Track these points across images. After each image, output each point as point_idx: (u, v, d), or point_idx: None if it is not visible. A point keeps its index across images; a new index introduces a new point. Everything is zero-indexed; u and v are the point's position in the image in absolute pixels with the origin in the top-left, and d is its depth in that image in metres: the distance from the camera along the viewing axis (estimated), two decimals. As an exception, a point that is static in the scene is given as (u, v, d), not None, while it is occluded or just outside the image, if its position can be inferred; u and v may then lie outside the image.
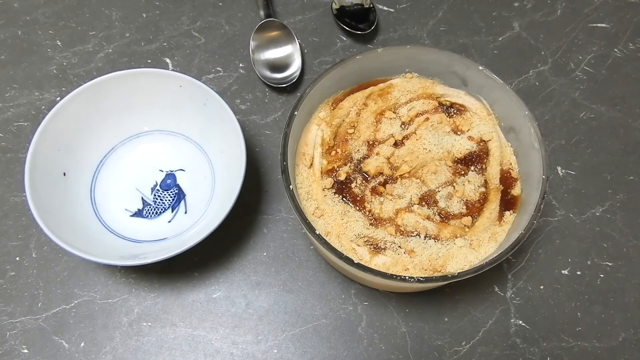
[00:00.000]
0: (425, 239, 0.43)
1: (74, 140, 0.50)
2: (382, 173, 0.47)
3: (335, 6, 0.62)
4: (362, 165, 0.47)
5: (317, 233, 0.40)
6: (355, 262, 0.39)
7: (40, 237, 0.51)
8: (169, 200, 0.52)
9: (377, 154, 0.47)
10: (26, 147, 0.47)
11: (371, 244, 0.43)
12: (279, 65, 0.58)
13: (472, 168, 0.47)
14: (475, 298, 0.49)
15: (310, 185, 0.45)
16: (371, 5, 0.63)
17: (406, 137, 0.48)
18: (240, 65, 0.60)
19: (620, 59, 0.61)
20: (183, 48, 0.61)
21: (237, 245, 0.51)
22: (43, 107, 0.58)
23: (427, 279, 0.39)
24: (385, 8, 0.64)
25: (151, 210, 0.52)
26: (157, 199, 0.52)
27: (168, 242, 0.49)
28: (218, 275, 0.50)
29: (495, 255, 0.40)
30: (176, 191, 0.53)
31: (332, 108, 0.49)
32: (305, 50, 0.61)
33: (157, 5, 0.64)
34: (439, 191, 0.46)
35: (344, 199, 0.45)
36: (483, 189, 0.46)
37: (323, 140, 0.47)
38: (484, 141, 0.48)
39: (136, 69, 0.50)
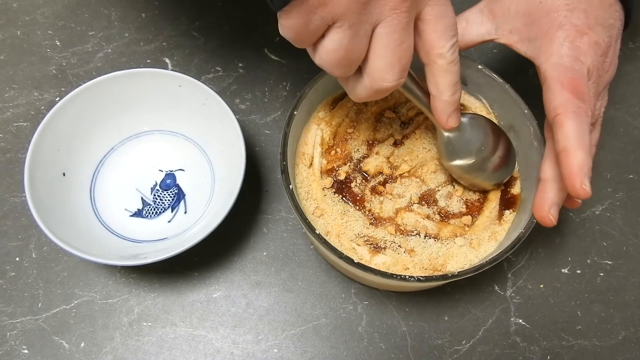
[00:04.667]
0: (425, 238, 0.43)
1: (74, 140, 0.50)
2: (381, 172, 0.47)
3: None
4: (361, 164, 0.47)
5: (317, 233, 0.40)
6: (355, 261, 0.39)
7: (40, 237, 0.51)
8: (169, 200, 0.52)
9: (377, 153, 0.47)
10: (26, 147, 0.47)
11: (371, 244, 0.43)
12: None
13: (472, 167, 0.47)
14: (475, 297, 0.49)
15: (310, 185, 0.45)
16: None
17: (406, 137, 0.48)
18: (240, 64, 0.60)
19: (620, 58, 0.60)
20: (182, 48, 0.61)
21: (237, 245, 0.51)
22: (42, 108, 0.58)
23: (427, 278, 0.39)
24: (384, 7, 0.64)
25: (151, 210, 0.52)
26: (156, 198, 0.52)
27: (168, 242, 0.49)
28: (218, 275, 0.50)
29: (495, 254, 0.40)
30: (176, 191, 0.53)
31: (331, 107, 0.49)
32: (304, 50, 0.60)
33: (156, 5, 0.64)
34: (438, 190, 0.46)
35: (343, 198, 0.45)
36: (483, 188, 0.46)
37: (323, 140, 0.47)
38: (484, 140, 0.48)
39: (135, 69, 0.50)
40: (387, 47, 0.34)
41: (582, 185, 0.36)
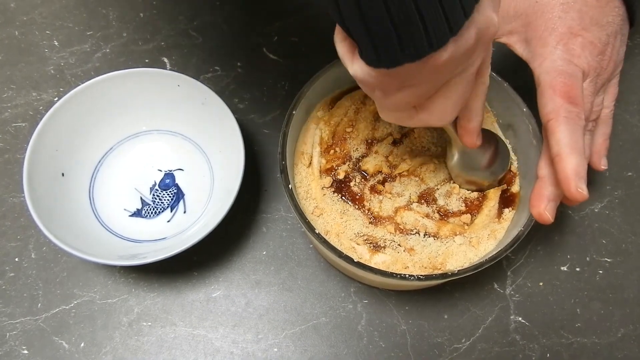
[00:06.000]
0: (424, 237, 0.44)
1: (72, 140, 0.50)
2: (381, 171, 0.47)
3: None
4: (360, 163, 0.47)
5: (317, 232, 0.40)
6: (355, 260, 0.39)
7: (39, 237, 0.51)
8: (168, 199, 0.52)
9: (376, 152, 0.47)
10: (24, 147, 0.47)
11: (370, 243, 0.43)
12: None
13: (471, 165, 0.47)
14: (474, 295, 0.49)
15: (309, 185, 0.45)
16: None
17: (405, 135, 0.48)
18: (238, 64, 0.60)
19: (618, 55, 0.61)
20: (180, 47, 0.61)
21: (237, 244, 0.51)
22: (41, 108, 0.58)
23: (427, 277, 0.39)
24: (382, 6, 0.64)
25: (150, 210, 0.52)
26: (156, 198, 0.52)
27: (167, 241, 0.49)
28: (217, 274, 0.50)
29: (494, 253, 0.40)
30: (175, 191, 0.53)
31: (330, 107, 0.49)
32: (303, 49, 0.60)
33: (154, 5, 0.64)
34: (437, 189, 0.46)
35: (343, 197, 0.45)
36: (482, 187, 0.46)
37: (321, 139, 0.47)
38: (483, 139, 0.48)
39: (134, 68, 0.50)
40: (460, 85, 0.32)
41: (577, 189, 0.36)
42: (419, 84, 0.30)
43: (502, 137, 0.49)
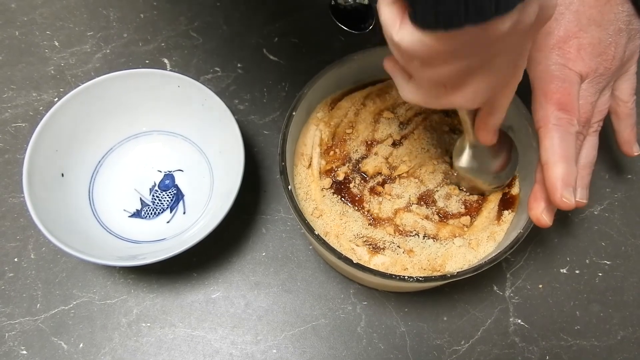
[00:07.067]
0: (424, 239, 0.44)
1: (72, 141, 0.50)
2: (380, 173, 0.47)
3: (333, 4, 0.62)
4: (360, 165, 0.47)
5: (316, 233, 0.40)
6: (354, 262, 0.39)
7: (38, 238, 0.51)
8: (168, 200, 0.52)
9: (376, 153, 0.47)
10: (24, 148, 0.47)
11: (370, 244, 0.43)
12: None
13: (471, 167, 0.47)
14: (474, 297, 0.49)
15: (309, 186, 0.45)
16: (369, 4, 0.63)
17: (404, 137, 0.48)
18: (239, 65, 0.60)
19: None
20: (181, 48, 0.61)
21: (236, 245, 0.51)
22: (41, 108, 0.58)
23: (426, 279, 0.39)
24: (383, 7, 0.64)
25: (150, 210, 0.52)
26: (155, 199, 0.52)
27: (167, 242, 0.49)
28: (217, 275, 0.50)
29: (494, 255, 0.40)
30: (175, 191, 0.53)
31: (330, 108, 0.49)
32: (303, 50, 0.61)
33: (155, 6, 0.64)
34: (437, 191, 0.46)
35: (342, 199, 0.45)
36: (481, 189, 0.46)
37: (321, 141, 0.47)
38: (482, 140, 0.48)
39: (134, 69, 0.50)
40: (501, 69, 0.31)
41: (562, 198, 0.36)
42: (469, 56, 0.28)
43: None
